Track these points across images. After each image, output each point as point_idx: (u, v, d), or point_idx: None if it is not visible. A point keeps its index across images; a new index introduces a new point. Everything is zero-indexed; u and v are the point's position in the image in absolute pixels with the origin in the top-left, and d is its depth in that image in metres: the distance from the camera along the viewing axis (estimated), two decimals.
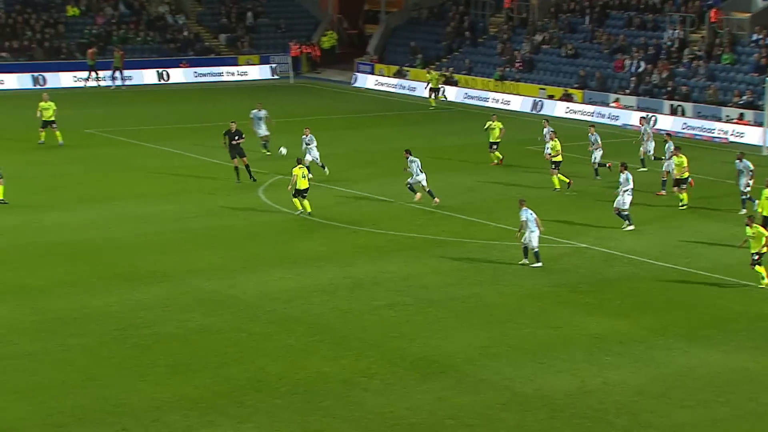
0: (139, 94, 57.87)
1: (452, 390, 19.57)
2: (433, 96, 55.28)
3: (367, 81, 62.99)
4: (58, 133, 40.84)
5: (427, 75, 56.62)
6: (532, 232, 26.86)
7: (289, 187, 31.49)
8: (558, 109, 53.66)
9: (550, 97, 55.11)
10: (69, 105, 52.18)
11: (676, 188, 33.49)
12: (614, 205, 30.72)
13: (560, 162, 35.57)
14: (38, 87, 57.38)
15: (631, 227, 30.55)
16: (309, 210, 31.60)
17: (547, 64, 58.66)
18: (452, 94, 58.26)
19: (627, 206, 30.66)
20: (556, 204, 33.47)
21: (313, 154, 36.77)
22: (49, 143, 41.07)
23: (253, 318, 22.98)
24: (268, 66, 65.29)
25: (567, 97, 54.55)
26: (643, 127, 39.13)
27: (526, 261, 27.19)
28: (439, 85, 56.01)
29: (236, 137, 35.85)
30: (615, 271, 27.24)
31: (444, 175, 37.39)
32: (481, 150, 39.42)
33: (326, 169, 36.71)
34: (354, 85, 63.02)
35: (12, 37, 60.59)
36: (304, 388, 19.45)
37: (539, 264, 26.91)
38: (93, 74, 59.30)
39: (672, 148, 34.95)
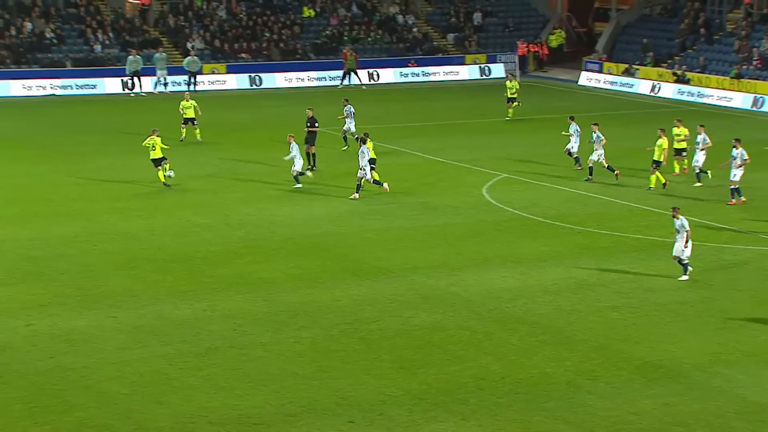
0: (363, 93, 58.93)
1: (680, 396, 18.91)
2: (511, 105, 49.19)
3: (593, 79, 61.95)
4: (197, 131, 42.43)
5: (508, 83, 49.96)
6: (687, 242, 25.07)
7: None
8: None
9: None
10: (291, 104, 53.74)
11: None
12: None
13: (660, 162, 34.28)
14: (254, 87, 59.54)
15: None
16: (376, 178, 33.20)
17: None
18: (668, 91, 56.52)
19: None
20: None
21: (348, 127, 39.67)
22: (206, 140, 42.36)
23: (475, 316, 22.94)
24: (476, 66, 65.13)
25: None
26: (701, 136, 35.15)
27: (686, 277, 25.24)
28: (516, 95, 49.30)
29: (308, 124, 36.90)
30: None
31: (670, 175, 36.25)
32: (711, 150, 37.83)
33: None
34: (580, 83, 62.09)
35: (252, 39, 63.00)
36: (527, 389, 19.26)
37: (685, 277, 25.26)
38: (351, 76, 60.66)
39: (745, 156, 32.48)
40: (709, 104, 54.12)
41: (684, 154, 36.46)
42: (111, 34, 60.82)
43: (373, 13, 67.40)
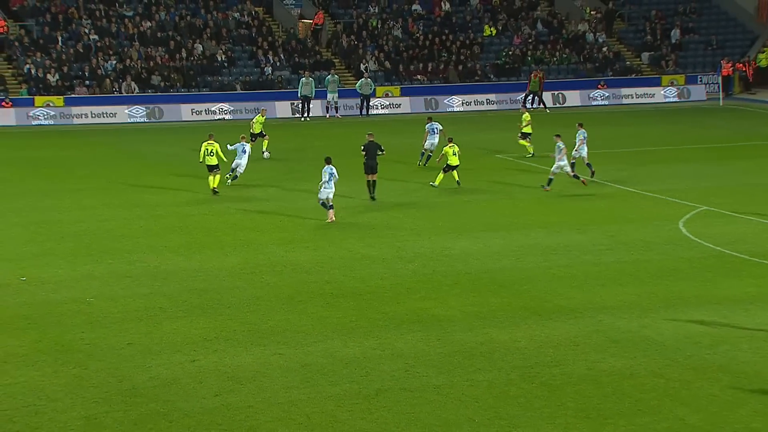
0: (546, 118, 58.56)
1: None
2: (527, 141, 45.58)
3: None
4: (265, 142, 44.60)
5: (525, 115, 46.51)
6: None
7: (438, 160, 39.70)
8: None
9: None
10: (468, 129, 53.84)
11: None
12: None
13: None
14: (429, 110, 59.88)
15: None
16: (456, 179, 38.65)
17: None
18: None
19: None
20: None
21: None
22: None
23: (671, 362, 22.39)
24: (674, 88, 63.82)
25: None
26: None
27: None
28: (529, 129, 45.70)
29: (374, 150, 37.00)
30: None
31: None
32: None
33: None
34: None
35: (428, 59, 63.60)
36: None
37: None
38: (534, 98, 60.74)
39: None
40: None
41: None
42: (282, 56, 62.48)
43: (559, 30, 67.06)
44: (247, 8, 65.10)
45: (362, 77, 59.89)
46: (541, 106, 60.78)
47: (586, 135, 40.57)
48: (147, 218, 35.38)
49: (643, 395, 20.77)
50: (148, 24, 62.54)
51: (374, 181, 37.18)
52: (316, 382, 21.54)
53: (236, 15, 64.38)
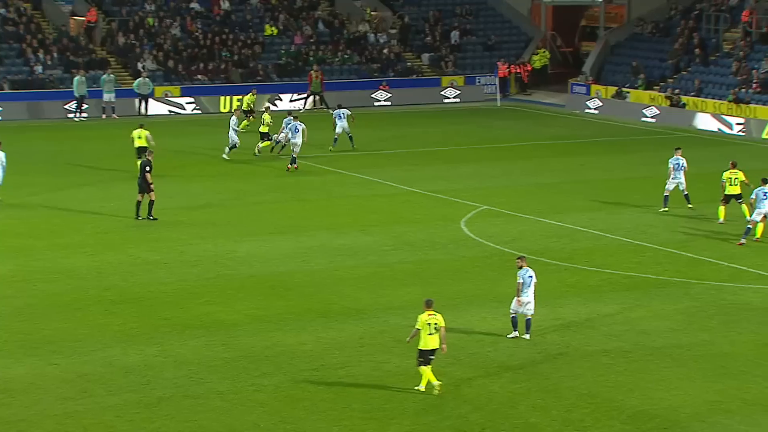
0: (330, 118, 59.02)
1: None
2: (248, 118, 49.78)
3: (581, 103, 62.42)
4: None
5: (250, 97, 52.61)
6: (525, 296, 24.24)
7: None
8: None
9: None
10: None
11: None
12: None
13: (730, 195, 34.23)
14: (212, 111, 59.50)
15: None
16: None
17: None
18: (661, 116, 57.02)
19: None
20: None
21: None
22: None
23: (454, 361, 22.96)
24: (453, 89, 65.55)
25: None
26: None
27: (516, 333, 24.30)
28: (253, 107, 51.76)
29: (147, 168, 34.20)
30: None
31: (673, 208, 36.58)
32: (713, 180, 38.06)
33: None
34: (567, 107, 62.57)
35: (209, 59, 63.05)
36: None
37: (527, 336, 24.29)
38: (315, 98, 60.97)
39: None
40: (706, 130, 54.68)
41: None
42: (54, 54, 60.72)
43: (340, 31, 67.71)
44: (14, 3, 62.90)
45: (140, 76, 58.85)
46: (324, 106, 61.19)
47: (299, 126, 43.08)
48: None
49: (426, 394, 21.24)
50: None
51: (151, 201, 34.25)
52: (93, 392, 21.10)
53: (2, 11, 62.11)
